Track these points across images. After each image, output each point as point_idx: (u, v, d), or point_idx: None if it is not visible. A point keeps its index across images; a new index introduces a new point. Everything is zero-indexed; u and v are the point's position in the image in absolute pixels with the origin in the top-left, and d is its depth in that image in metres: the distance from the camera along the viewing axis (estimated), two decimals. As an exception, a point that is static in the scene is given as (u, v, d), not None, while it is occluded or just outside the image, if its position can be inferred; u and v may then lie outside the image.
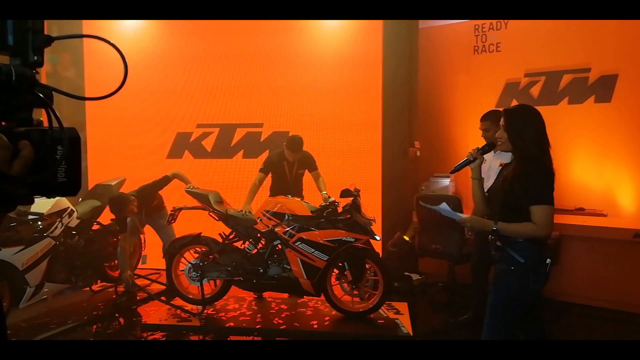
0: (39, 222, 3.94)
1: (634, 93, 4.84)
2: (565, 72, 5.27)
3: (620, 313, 4.26)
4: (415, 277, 5.11)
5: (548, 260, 2.23)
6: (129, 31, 5.67)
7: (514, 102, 5.60)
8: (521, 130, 2.26)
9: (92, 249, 4.43)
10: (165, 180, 4.61)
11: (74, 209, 4.32)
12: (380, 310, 4.23)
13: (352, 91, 5.53)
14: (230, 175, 5.71)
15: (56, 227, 4.07)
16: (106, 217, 4.70)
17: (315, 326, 3.99)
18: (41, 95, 0.62)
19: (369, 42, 5.47)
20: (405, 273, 5.08)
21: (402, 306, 4.37)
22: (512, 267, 2.22)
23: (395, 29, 5.43)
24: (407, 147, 5.57)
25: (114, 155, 5.68)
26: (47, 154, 0.61)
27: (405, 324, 3.97)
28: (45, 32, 0.64)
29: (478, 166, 2.41)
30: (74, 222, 4.29)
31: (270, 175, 4.65)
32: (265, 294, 4.59)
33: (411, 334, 3.80)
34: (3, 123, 0.61)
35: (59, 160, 0.62)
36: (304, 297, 4.30)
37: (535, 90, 5.48)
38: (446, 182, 5.31)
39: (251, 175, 5.72)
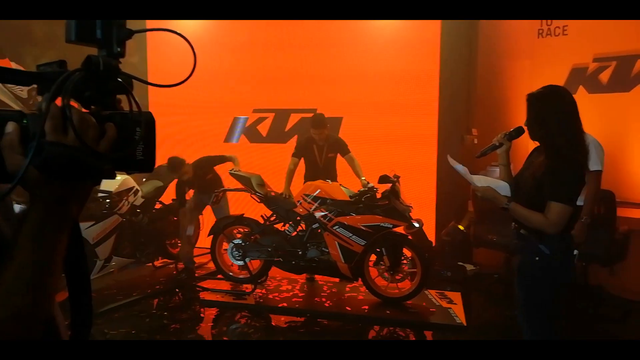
0: (108, 200, 4.19)
1: None
2: (639, 56, 4.93)
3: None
4: (469, 267, 5.01)
5: (575, 252, 2.14)
6: (188, 21, 5.84)
7: (581, 89, 5.31)
8: (543, 120, 2.07)
9: (154, 227, 4.66)
10: (221, 158, 4.81)
11: (139, 189, 4.55)
12: (432, 299, 4.20)
13: (407, 76, 5.43)
14: (284, 160, 5.77)
15: (123, 205, 4.30)
16: (167, 197, 4.93)
17: (367, 311, 4.02)
18: (123, 82, 0.70)
19: (427, 25, 5.33)
20: (459, 263, 5.00)
21: (456, 296, 4.31)
22: (537, 258, 2.11)
23: (455, 12, 5.25)
24: (464, 134, 5.43)
25: (175, 139, 5.90)
26: (127, 135, 0.69)
27: (459, 313, 3.91)
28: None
29: (505, 152, 2.30)
30: (139, 200, 4.53)
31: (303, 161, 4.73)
32: (317, 277, 4.66)
33: (464, 324, 3.74)
34: (92, 107, 0.69)
35: (137, 140, 0.69)
36: (356, 281, 4.33)
37: (604, 76, 5.16)
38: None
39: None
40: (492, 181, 2.31)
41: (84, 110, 0.67)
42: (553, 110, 2.08)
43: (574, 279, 2.21)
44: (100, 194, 4.15)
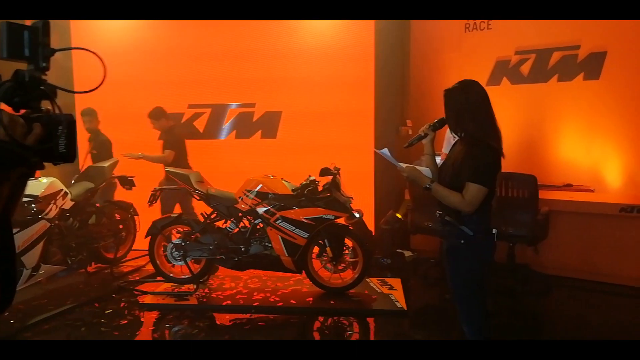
0: (33, 205, 3.92)
1: (622, 70, 4.90)
2: (555, 49, 5.31)
3: (607, 285, 4.39)
4: (407, 254, 5.20)
5: (494, 231, 2.29)
6: (118, 23, 5.61)
7: (505, 80, 5.64)
8: (458, 112, 2.23)
9: (86, 231, 4.43)
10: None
11: (68, 191, 4.31)
12: (374, 287, 4.33)
13: (343, 67, 5.50)
14: (222, 156, 5.71)
15: (51, 209, 4.05)
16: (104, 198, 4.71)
17: (311, 302, 4.07)
18: (46, 90, 0.87)
19: (362, 27, 5.41)
20: (397, 250, 5.18)
21: (396, 282, 4.46)
22: (462, 241, 2.25)
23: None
24: (399, 126, 5.60)
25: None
26: (51, 132, 0.86)
27: (400, 299, 4.06)
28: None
29: (429, 142, 2.45)
30: (68, 204, 4.28)
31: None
32: (261, 272, 4.65)
33: (405, 309, 3.89)
34: (22, 111, 0.85)
35: (59, 135, 0.86)
36: (299, 274, 4.37)
37: (525, 68, 5.52)
38: (437, 160, 5.35)
39: (244, 156, 5.72)
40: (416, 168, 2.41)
41: (15, 113, 0.83)
42: (465, 102, 2.21)
43: (493, 254, 2.35)
44: (25, 199, 3.87)
